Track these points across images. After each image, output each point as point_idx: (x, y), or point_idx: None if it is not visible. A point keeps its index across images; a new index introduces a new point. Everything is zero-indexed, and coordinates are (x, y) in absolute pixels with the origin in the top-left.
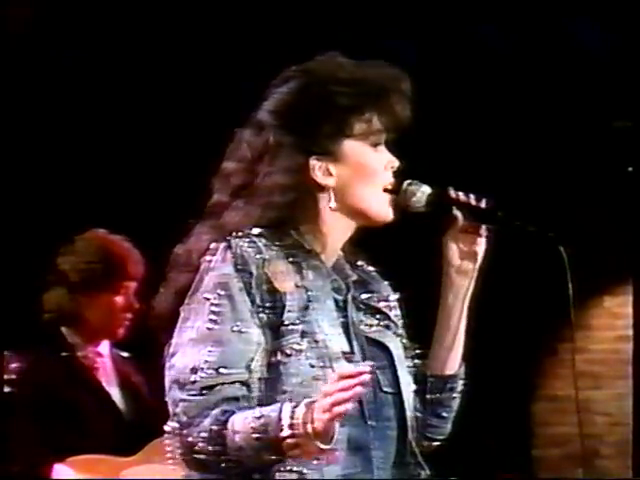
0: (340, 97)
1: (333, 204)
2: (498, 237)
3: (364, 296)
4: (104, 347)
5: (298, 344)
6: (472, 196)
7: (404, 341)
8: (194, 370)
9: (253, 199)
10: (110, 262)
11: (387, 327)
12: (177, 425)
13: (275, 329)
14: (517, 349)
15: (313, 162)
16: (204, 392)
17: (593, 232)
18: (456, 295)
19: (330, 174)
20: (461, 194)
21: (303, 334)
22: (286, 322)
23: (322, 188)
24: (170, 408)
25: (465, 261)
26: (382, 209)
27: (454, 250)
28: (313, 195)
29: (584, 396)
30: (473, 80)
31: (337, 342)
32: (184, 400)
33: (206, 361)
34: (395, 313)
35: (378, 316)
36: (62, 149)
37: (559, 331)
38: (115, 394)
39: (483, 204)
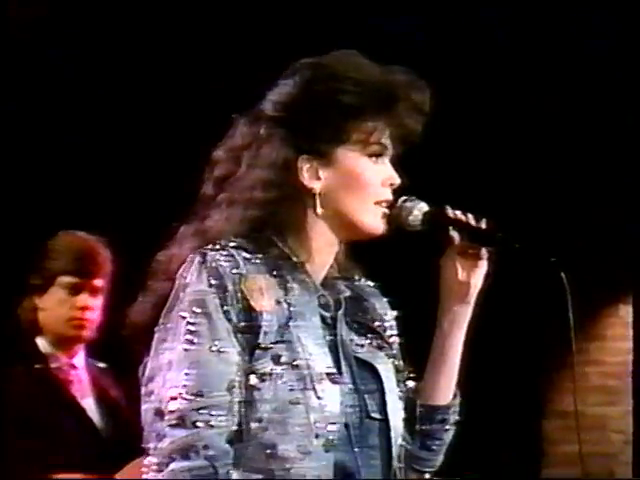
0: (344, 97)
1: (319, 210)
2: (498, 258)
3: (357, 314)
4: (79, 358)
5: (272, 368)
6: (471, 216)
7: (397, 363)
8: (174, 397)
9: (235, 194)
10: (69, 258)
11: (379, 348)
12: (155, 461)
13: (250, 351)
14: (524, 364)
15: (302, 161)
16: (184, 420)
17: (607, 238)
18: (453, 321)
19: (318, 178)
20: (459, 213)
21: (279, 356)
22: (261, 344)
23: (308, 191)
24: (148, 440)
25: (463, 285)
26: (370, 221)
27: (452, 273)
28: (298, 197)
29: (599, 412)
30: (473, 88)
31: (322, 362)
32: (164, 435)
33: (185, 386)
34: (390, 333)
35: (370, 335)
36: (38, 151)
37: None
38: (91, 409)
39: (483, 224)
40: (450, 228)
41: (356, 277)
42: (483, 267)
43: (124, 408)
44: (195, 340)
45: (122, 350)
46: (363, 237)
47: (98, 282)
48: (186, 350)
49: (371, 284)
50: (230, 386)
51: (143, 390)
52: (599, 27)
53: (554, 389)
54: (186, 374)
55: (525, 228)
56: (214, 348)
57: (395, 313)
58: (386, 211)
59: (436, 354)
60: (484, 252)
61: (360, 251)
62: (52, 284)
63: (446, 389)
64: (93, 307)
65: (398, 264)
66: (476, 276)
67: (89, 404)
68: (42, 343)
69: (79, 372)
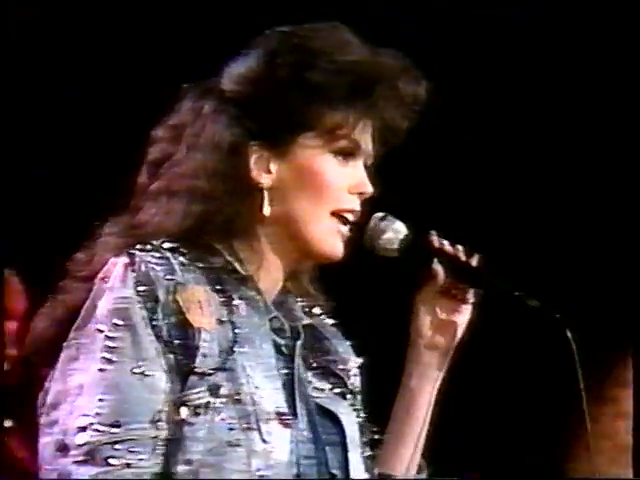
0: (311, 75)
1: (266, 209)
2: (488, 305)
3: (317, 352)
4: None
5: (209, 400)
6: (461, 248)
7: (361, 418)
8: (82, 428)
9: (173, 182)
10: None
11: (342, 396)
12: None
13: (183, 376)
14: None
15: (251, 148)
16: (95, 456)
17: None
18: (422, 375)
19: (268, 171)
20: (447, 243)
21: (219, 387)
22: (197, 369)
23: (255, 186)
24: None
25: (440, 333)
26: (322, 235)
27: (427, 316)
28: (247, 193)
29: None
30: (471, 91)
31: (271, 398)
32: (68, 473)
33: (98, 414)
34: (353, 382)
35: (332, 380)
36: None
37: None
38: None
39: (474, 261)
40: (434, 260)
41: (316, 310)
42: (467, 313)
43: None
44: (114, 359)
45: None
46: (313, 256)
47: (13, 325)
48: (102, 371)
49: (332, 322)
50: (155, 418)
51: (43, 420)
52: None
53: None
54: (100, 400)
55: (523, 270)
56: (137, 370)
57: (360, 361)
58: (344, 229)
59: (400, 414)
60: (471, 295)
61: (324, 279)
62: None
63: (409, 460)
64: (9, 356)
65: (364, 297)
66: (457, 324)
67: None
68: None
69: None
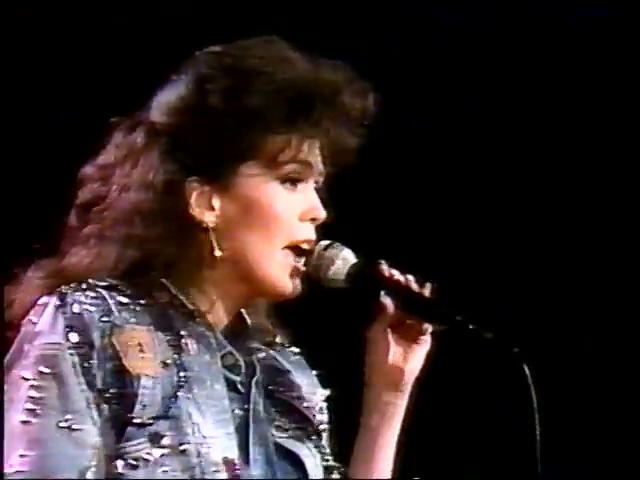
0: (247, 99)
1: (217, 252)
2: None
3: (277, 387)
4: None
5: (149, 452)
6: (412, 278)
7: (327, 458)
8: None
9: (105, 227)
10: None
11: (307, 436)
12: None
13: (119, 427)
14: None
15: (190, 185)
16: None
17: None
18: (383, 416)
19: (211, 207)
20: (396, 273)
21: (161, 437)
22: (136, 419)
23: (199, 225)
24: None
25: (396, 369)
26: (279, 278)
27: (382, 352)
28: (189, 233)
29: None
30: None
31: (220, 446)
32: None
33: (18, 471)
34: (321, 419)
35: (295, 418)
36: None
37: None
38: None
39: (427, 291)
40: (382, 292)
41: (277, 340)
42: (425, 344)
43: None
44: (38, 411)
45: None
46: (267, 296)
47: None
48: (25, 423)
49: (295, 351)
50: (83, 475)
51: None
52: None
53: None
54: (21, 456)
55: (481, 300)
56: (64, 424)
57: (326, 393)
58: (299, 263)
59: (361, 459)
60: (427, 326)
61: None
62: None
63: None
64: None
65: (320, 327)
66: (414, 357)
67: None
68: None
69: None
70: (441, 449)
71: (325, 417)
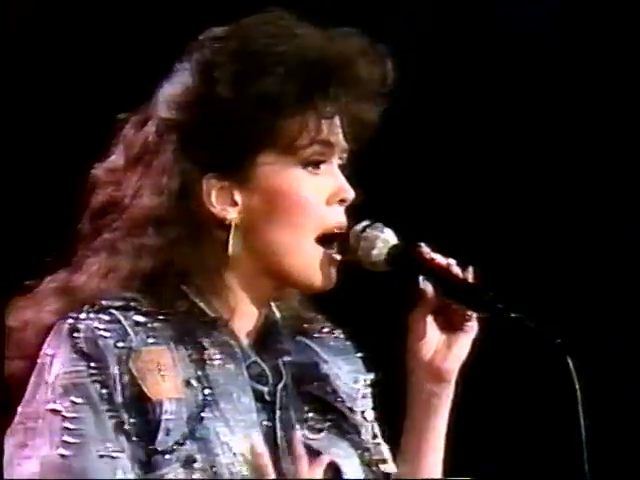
0: (260, 84)
1: (230, 250)
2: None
3: (310, 383)
4: None
5: (180, 473)
6: (453, 262)
7: (367, 454)
8: None
9: (117, 237)
10: None
11: (343, 434)
12: None
13: (145, 456)
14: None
15: (208, 182)
16: None
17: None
18: (428, 406)
19: (233, 203)
20: (438, 256)
21: (193, 460)
22: (159, 448)
23: (221, 223)
24: None
25: (440, 357)
26: (314, 272)
27: (424, 339)
28: (208, 235)
29: None
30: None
31: (251, 462)
32: None
33: None
34: (362, 408)
35: (330, 417)
36: None
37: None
38: None
39: (469, 276)
40: (421, 278)
41: (315, 325)
42: (470, 333)
43: None
44: (78, 441)
45: None
46: (300, 289)
47: None
48: (64, 457)
49: (338, 334)
50: None
51: None
52: None
53: None
54: None
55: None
56: (104, 452)
57: (371, 377)
58: (334, 254)
59: (408, 453)
60: (472, 312)
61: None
62: None
63: None
64: None
65: (366, 309)
66: (458, 345)
67: None
68: None
69: None
70: (480, 442)
71: (369, 402)
